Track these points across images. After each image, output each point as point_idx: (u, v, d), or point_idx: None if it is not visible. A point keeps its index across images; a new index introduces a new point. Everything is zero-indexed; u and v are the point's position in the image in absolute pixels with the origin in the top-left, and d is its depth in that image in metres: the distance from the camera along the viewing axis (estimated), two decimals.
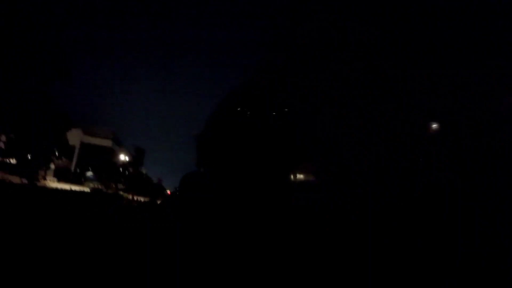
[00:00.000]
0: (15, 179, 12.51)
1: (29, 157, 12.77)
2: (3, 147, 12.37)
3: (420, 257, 2.48)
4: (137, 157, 32.93)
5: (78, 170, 32.43)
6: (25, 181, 12.80)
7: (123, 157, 31.88)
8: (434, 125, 8.53)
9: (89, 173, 32.96)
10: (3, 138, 12.02)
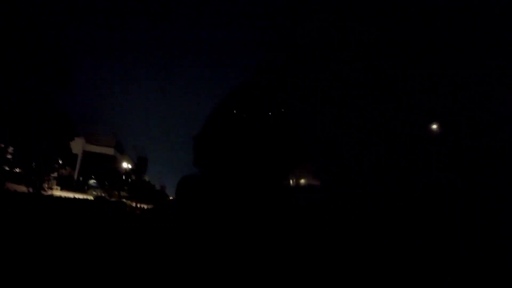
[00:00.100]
0: (21, 188, 12.53)
1: (33, 166, 12.82)
2: (8, 157, 12.45)
3: (420, 257, 2.48)
4: (139, 165, 33.41)
5: (81, 179, 32.79)
6: (31, 190, 12.85)
7: (125, 165, 32.26)
8: (434, 126, 8.53)
9: (92, 181, 33.32)
10: (10, 149, 12.11)
